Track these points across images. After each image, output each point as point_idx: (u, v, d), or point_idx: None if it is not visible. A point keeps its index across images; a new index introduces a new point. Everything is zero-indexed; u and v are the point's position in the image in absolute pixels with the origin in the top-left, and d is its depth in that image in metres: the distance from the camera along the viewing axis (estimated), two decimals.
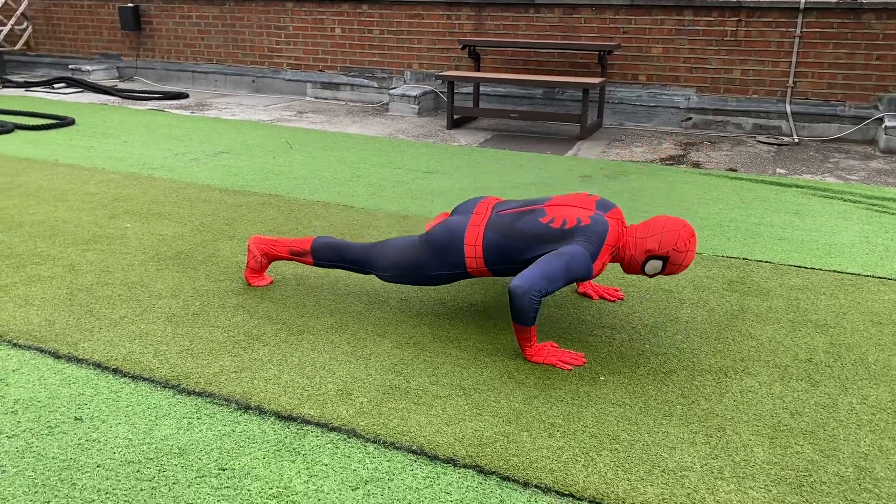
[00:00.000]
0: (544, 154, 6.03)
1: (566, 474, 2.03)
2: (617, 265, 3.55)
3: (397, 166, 5.48)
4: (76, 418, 2.26)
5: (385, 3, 7.98)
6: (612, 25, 7.15)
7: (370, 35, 8.20)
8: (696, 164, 5.77)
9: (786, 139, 6.66)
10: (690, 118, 7.12)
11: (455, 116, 7.18)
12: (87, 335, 2.78)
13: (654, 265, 2.66)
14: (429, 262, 2.84)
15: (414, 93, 7.71)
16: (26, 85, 9.01)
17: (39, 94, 8.67)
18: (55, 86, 8.95)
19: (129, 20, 9.27)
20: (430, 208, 4.43)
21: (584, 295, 3.23)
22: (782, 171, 5.58)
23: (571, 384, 2.49)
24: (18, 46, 9.87)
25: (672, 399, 2.41)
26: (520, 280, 2.53)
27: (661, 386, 2.49)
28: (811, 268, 3.56)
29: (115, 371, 2.53)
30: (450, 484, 1.99)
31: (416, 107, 7.69)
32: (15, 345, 2.70)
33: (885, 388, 2.50)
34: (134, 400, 2.36)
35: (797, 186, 5.08)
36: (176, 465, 2.05)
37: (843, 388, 2.50)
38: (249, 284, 3.26)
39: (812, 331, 2.91)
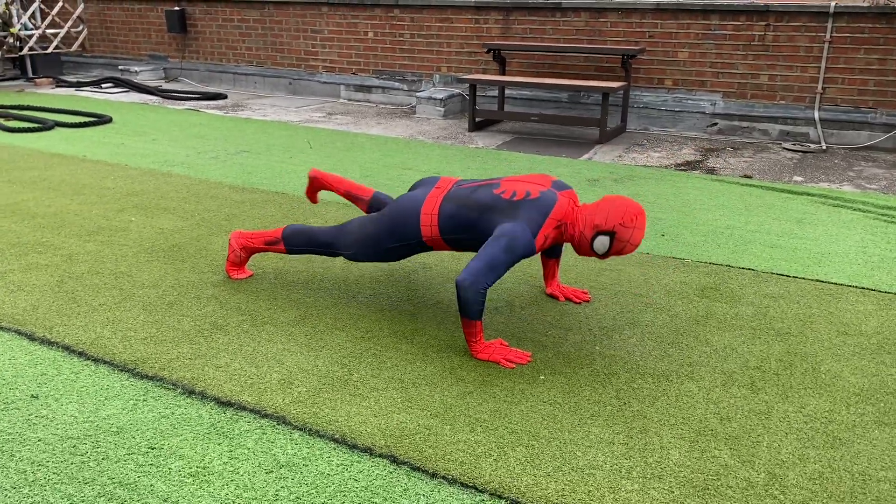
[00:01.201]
0: (559, 157, 6.04)
1: (475, 468, 2.08)
2: (577, 264, 3.56)
3: (407, 167, 5.57)
4: (32, 396, 2.42)
5: (415, 7, 8.10)
6: (638, 29, 7.10)
7: (401, 39, 8.33)
8: (711, 170, 5.70)
9: (812, 146, 6.50)
10: (716, 124, 7.01)
11: (477, 119, 7.24)
12: (64, 320, 2.95)
13: (601, 242, 2.66)
14: (387, 234, 2.92)
15: (440, 95, 7.80)
16: (77, 85, 9.45)
17: (88, 93, 9.08)
18: (103, 86, 9.36)
19: (175, 23, 9.63)
20: None
21: (552, 296, 3.26)
22: (799, 178, 5.47)
23: (510, 382, 2.54)
24: (74, 48, 10.35)
25: (605, 400, 2.43)
26: (465, 273, 2.59)
27: (599, 387, 2.51)
28: (793, 276, 3.51)
29: (81, 354, 2.69)
30: (360, 472, 2.06)
31: (442, 109, 7.77)
32: None
33: (826, 398, 2.46)
34: (90, 381, 2.51)
35: (808, 195, 4.97)
36: (110, 442, 2.18)
37: (783, 396, 2.47)
38: (230, 277, 3.40)
39: (771, 339, 2.88)
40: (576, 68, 7.48)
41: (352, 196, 3.38)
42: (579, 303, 3.20)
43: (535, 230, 2.66)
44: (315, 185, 3.50)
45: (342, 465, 2.09)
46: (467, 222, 2.80)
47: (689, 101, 7.07)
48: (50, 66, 10.34)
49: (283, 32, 9.08)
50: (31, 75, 10.12)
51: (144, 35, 10.24)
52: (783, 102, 6.72)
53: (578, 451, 2.16)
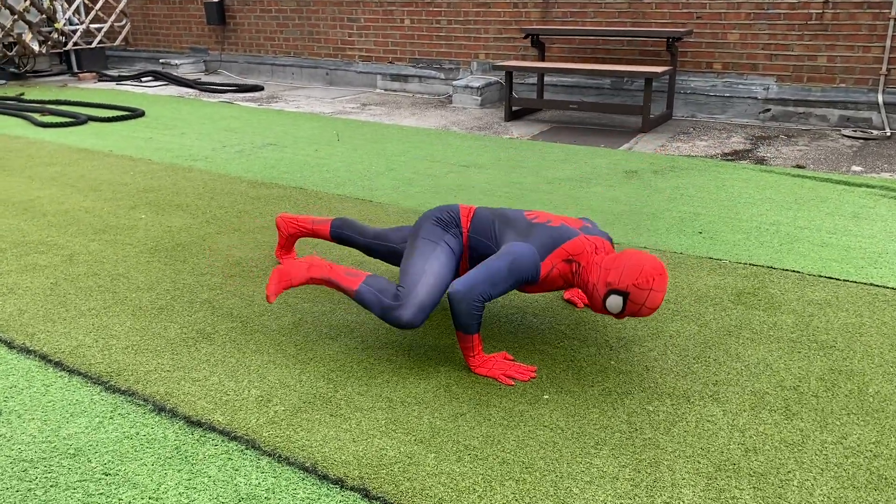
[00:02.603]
0: (596, 147, 5.71)
1: None
2: None
3: (435, 159, 5.33)
4: None
5: None
6: (684, 10, 6.69)
7: (438, 26, 8.07)
8: (761, 160, 5.30)
9: (875, 133, 6.01)
10: (769, 110, 6.56)
11: (515, 108, 6.95)
12: (48, 326, 2.81)
13: (614, 301, 2.36)
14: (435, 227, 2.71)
15: (476, 84, 7.52)
16: (118, 79, 9.47)
17: (128, 87, 9.09)
18: (143, 79, 9.36)
19: (214, 15, 9.56)
20: (455, 203, 4.25)
21: (569, 302, 2.98)
22: (858, 168, 5.03)
23: (509, 402, 2.28)
24: (118, 42, 10.40)
25: (614, 425, 2.16)
26: (460, 284, 2.34)
27: (608, 410, 2.24)
28: (844, 280, 3.15)
29: (57, 364, 2.54)
30: None
31: (479, 98, 7.50)
32: None
33: (873, 426, 2.13)
34: (59, 395, 2.35)
35: (868, 186, 4.55)
36: (64, 466, 2.01)
37: (821, 423, 2.15)
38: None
39: (813, 353, 2.55)
40: (618, 53, 7.10)
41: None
42: None
43: (543, 255, 2.43)
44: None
45: (308, 499, 1.87)
46: (489, 227, 2.63)
47: (740, 86, 6.63)
48: (95, 61, 10.42)
49: (319, 22, 8.92)
50: (75, 70, 10.21)
51: (185, 28, 10.22)
52: (843, 86, 6.24)
53: (576, 488, 1.89)
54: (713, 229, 3.82)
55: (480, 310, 2.34)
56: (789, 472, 1.95)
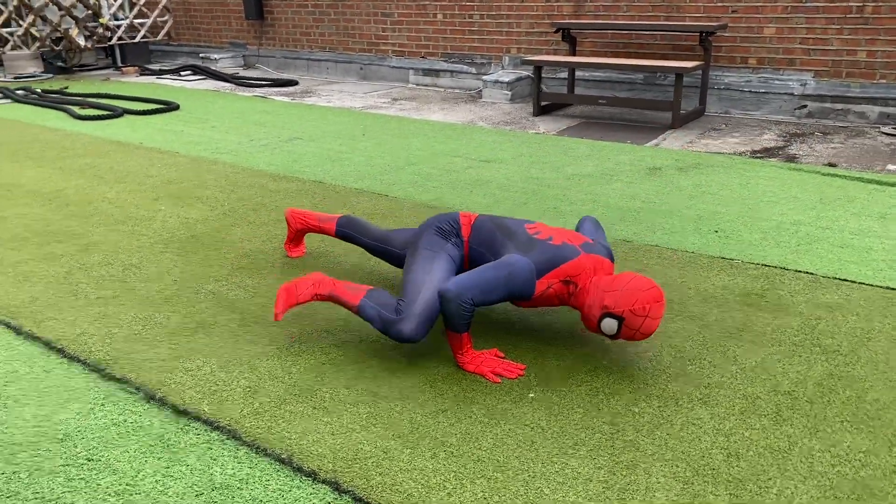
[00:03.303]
0: (623, 143, 5.63)
1: (424, 501, 1.84)
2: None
3: (457, 154, 5.32)
4: None
5: None
6: (720, 4, 6.54)
7: (470, 20, 8.04)
8: (791, 158, 5.16)
9: None
10: (805, 106, 6.38)
11: (544, 103, 6.89)
12: (56, 314, 2.88)
13: (608, 324, 2.34)
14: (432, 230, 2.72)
15: (507, 79, 7.47)
16: (159, 73, 9.67)
17: (167, 81, 9.28)
18: (182, 73, 9.54)
19: (252, 10, 9.69)
20: (467, 199, 4.25)
21: None
22: (894, 167, 4.86)
23: (493, 399, 2.27)
24: (160, 37, 10.61)
25: (596, 426, 2.13)
26: (452, 284, 2.33)
27: (593, 410, 2.20)
28: (859, 283, 3.05)
29: (59, 351, 2.61)
30: (296, 500, 1.85)
31: (509, 93, 7.45)
32: None
33: (866, 435, 2.06)
34: (57, 381, 2.41)
35: None
36: (51, 451, 2.06)
37: (812, 430, 2.09)
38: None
39: (815, 358, 2.47)
40: (651, 48, 6.98)
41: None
42: None
43: (540, 273, 2.41)
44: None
45: (279, 490, 1.89)
46: (490, 237, 2.61)
47: (776, 82, 6.46)
48: (138, 55, 10.65)
49: (354, 17, 8.97)
50: (119, 64, 10.45)
51: (225, 23, 10.38)
52: (884, 82, 6.03)
53: (546, 489, 1.87)
54: (730, 228, 3.73)
55: (470, 312, 2.33)
56: (770, 479, 1.89)
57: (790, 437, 2.06)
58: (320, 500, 1.85)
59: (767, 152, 5.34)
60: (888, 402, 2.21)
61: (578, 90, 7.38)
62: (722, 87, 6.70)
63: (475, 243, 2.63)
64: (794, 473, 1.91)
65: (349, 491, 1.88)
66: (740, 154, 5.28)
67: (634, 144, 5.61)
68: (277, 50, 9.87)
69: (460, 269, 2.68)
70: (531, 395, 2.29)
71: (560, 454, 2.00)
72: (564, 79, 7.48)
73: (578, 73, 7.36)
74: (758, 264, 3.27)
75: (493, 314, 2.84)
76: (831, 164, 4.96)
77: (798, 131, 5.98)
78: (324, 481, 1.92)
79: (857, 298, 2.90)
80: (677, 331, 2.68)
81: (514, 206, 4.13)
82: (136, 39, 10.37)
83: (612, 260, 2.58)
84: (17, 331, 2.76)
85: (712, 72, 6.71)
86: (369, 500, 1.84)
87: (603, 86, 7.31)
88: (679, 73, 6.03)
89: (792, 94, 6.42)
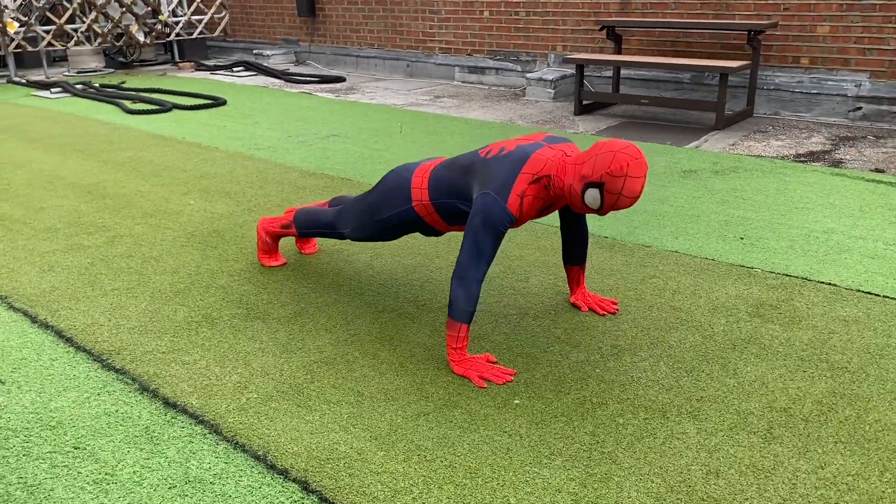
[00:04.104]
0: (661, 144, 5.50)
1: None
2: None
3: None
4: (0, 381, 2.43)
5: None
6: (770, 2, 6.33)
7: (516, 17, 7.98)
8: (837, 163, 4.95)
9: None
10: (860, 108, 6.12)
11: (586, 102, 6.79)
12: (72, 304, 2.98)
13: (591, 195, 2.23)
14: (380, 203, 2.73)
15: (550, 76, 7.39)
16: (213, 68, 9.90)
17: (220, 76, 9.49)
18: (234, 69, 9.74)
19: (304, 7, 9.82)
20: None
21: (575, 305, 2.89)
22: None
23: (476, 404, 2.25)
24: (217, 33, 10.86)
25: (576, 436, 2.08)
26: (455, 272, 2.35)
27: (577, 420, 2.16)
28: (883, 296, 2.91)
29: (69, 340, 2.69)
30: (264, 497, 1.87)
31: (552, 91, 7.37)
32: (11, 306, 2.97)
33: (859, 457, 1.97)
34: (60, 370, 2.49)
35: None
36: (41, 438, 2.13)
37: (801, 449, 2.00)
38: (263, 265, 3.32)
39: (820, 374, 2.37)
40: (699, 46, 6.81)
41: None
42: (603, 314, 2.82)
43: (505, 193, 2.31)
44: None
45: (250, 486, 1.91)
46: (451, 184, 2.55)
47: (829, 83, 6.22)
48: (196, 51, 10.93)
49: (402, 14, 9.00)
50: (176, 60, 10.74)
51: (279, 19, 10.55)
52: None
53: (513, 498, 1.85)
54: (757, 235, 3.61)
55: (478, 290, 2.34)
56: (747, 499, 1.82)
57: (777, 457, 1.98)
58: (287, 499, 1.86)
59: (812, 156, 5.15)
60: (889, 424, 2.11)
61: (624, 89, 7.25)
62: (772, 87, 6.48)
63: (438, 196, 2.58)
64: (773, 495, 1.84)
65: (317, 491, 1.89)
66: (783, 158, 5.10)
67: (673, 146, 5.48)
68: (328, 46, 9.99)
69: (428, 227, 2.71)
70: (516, 401, 2.26)
71: (534, 463, 1.97)
72: (610, 77, 7.36)
73: (624, 72, 7.23)
74: (778, 274, 3.15)
75: (497, 319, 2.82)
76: (879, 170, 4.75)
77: (849, 135, 5.74)
78: (294, 480, 1.93)
79: (878, 313, 2.77)
80: (679, 341, 2.60)
81: None
82: (194, 36, 10.64)
83: (576, 146, 2.50)
84: (34, 319, 2.86)
85: (762, 72, 6.50)
86: (334, 501, 1.85)
87: (649, 85, 7.16)
88: (724, 73, 5.86)
89: (846, 96, 6.16)
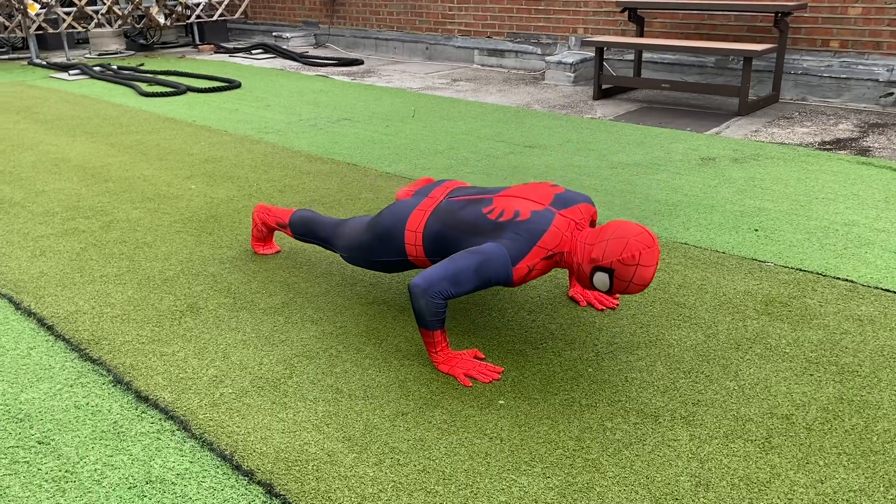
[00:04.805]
0: (681, 130, 5.32)
1: None
2: None
3: (502, 139, 5.15)
4: None
5: None
6: None
7: None
8: (864, 151, 4.74)
9: None
10: (892, 94, 5.86)
11: (605, 86, 6.60)
12: (58, 290, 2.92)
13: (600, 279, 2.16)
14: (376, 245, 2.60)
15: (570, 60, 7.20)
16: (232, 51, 9.83)
17: (238, 59, 9.42)
18: (253, 52, 9.67)
19: None
20: (502, 184, 4.09)
21: (573, 299, 2.77)
22: None
23: (459, 404, 2.13)
24: (237, 15, 10.79)
25: (560, 441, 1.97)
26: (420, 278, 2.20)
27: (563, 423, 2.04)
28: None
29: (49, 328, 2.63)
30: (226, 501, 1.78)
31: (572, 75, 7.18)
32: None
33: (863, 471, 1.82)
34: (36, 360, 2.43)
35: None
36: (6, 432, 2.07)
37: (801, 460, 1.87)
38: (256, 252, 3.24)
39: (828, 378, 2.22)
40: (724, 29, 6.57)
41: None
42: (602, 309, 2.68)
43: (516, 258, 2.22)
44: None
45: (212, 488, 1.83)
46: (451, 243, 2.41)
47: (860, 67, 5.96)
48: (216, 33, 10.87)
49: None
50: (197, 42, 10.69)
51: (299, 2, 10.45)
52: None
53: None
54: (773, 227, 3.44)
55: (442, 307, 2.20)
56: None
57: (773, 468, 1.84)
58: (250, 502, 1.77)
59: (838, 144, 4.93)
60: None
61: (646, 73, 7.04)
62: (799, 71, 6.24)
63: (435, 253, 2.46)
64: None
65: (280, 495, 1.79)
66: (807, 145, 4.89)
67: (693, 132, 5.29)
68: (347, 29, 9.87)
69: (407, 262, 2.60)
70: (501, 401, 2.15)
71: (512, 470, 1.86)
72: (632, 61, 7.15)
73: (646, 56, 7.01)
74: (792, 268, 2.99)
75: (490, 312, 2.70)
76: None
77: (879, 121, 5.50)
78: (259, 482, 1.84)
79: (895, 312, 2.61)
80: (679, 339, 2.46)
81: None
82: (214, 18, 10.58)
83: (590, 202, 2.39)
84: (17, 305, 2.80)
85: (789, 55, 6.25)
86: None
87: (672, 69, 6.94)
88: (748, 57, 5.64)
89: (877, 81, 5.91)
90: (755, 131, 5.31)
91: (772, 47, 5.77)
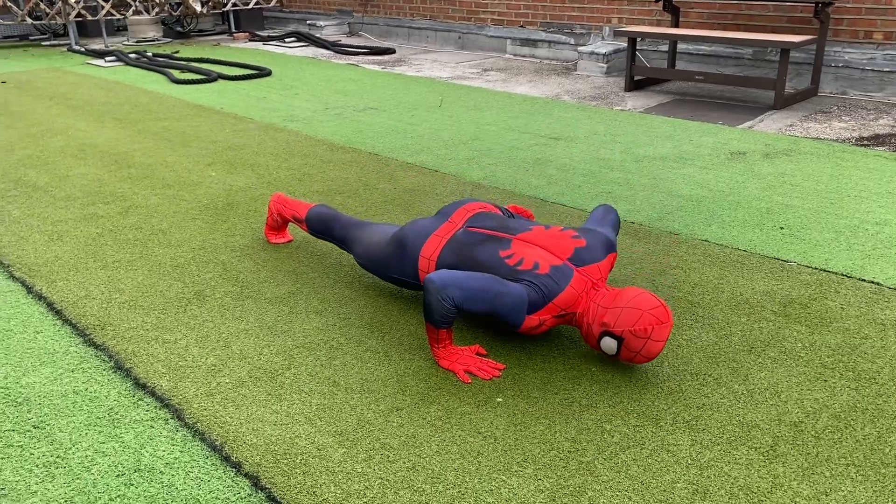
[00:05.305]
0: (713, 123, 5.18)
1: None
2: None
3: (526, 131, 5.07)
4: None
5: None
6: None
7: None
8: None
9: None
10: None
11: (638, 77, 6.47)
12: (70, 275, 2.94)
13: (608, 344, 2.14)
14: (392, 262, 2.56)
15: (603, 50, 7.07)
16: (266, 39, 9.87)
17: (272, 47, 9.45)
18: (286, 40, 9.69)
19: None
20: (520, 179, 4.03)
21: None
22: None
23: (456, 400, 2.09)
24: (273, 3, 10.82)
25: (556, 442, 1.91)
26: (437, 275, 2.15)
27: (560, 423, 1.98)
28: None
29: (58, 312, 2.65)
30: (210, 491, 1.77)
31: (605, 66, 7.05)
32: (11, 275, 2.95)
33: (871, 483, 1.74)
34: (42, 343, 2.44)
35: None
36: (4, 415, 2.08)
37: (807, 471, 1.78)
38: (268, 242, 3.23)
39: (843, 384, 2.13)
40: (762, 19, 6.38)
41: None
42: None
43: (531, 309, 2.18)
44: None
45: (199, 478, 1.81)
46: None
47: None
48: (252, 21, 10.93)
49: None
50: (232, 30, 10.76)
51: None
52: None
53: None
54: (800, 225, 3.32)
55: (451, 311, 2.14)
56: None
57: (776, 478, 1.76)
58: (234, 495, 1.75)
59: (877, 140, 4.75)
60: None
61: (681, 65, 6.89)
62: (840, 64, 6.03)
63: None
64: None
65: (266, 489, 1.77)
66: (843, 141, 4.73)
67: (725, 126, 5.15)
68: (381, 18, 9.84)
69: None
70: (499, 399, 2.10)
71: (503, 470, 1.81)
72: (666, 52, 7.00)
73: (681, 47, 6.85)
74: (816, 269, 2.88)
75: None
76: None
77: None
78: (246, 475, 1.82)
79: None
80: (690, 340, 2.38)
81: (567, 188, 3.87)
82: (250, 6, 10.63)
83: (612, 250, 2.33)
84: (30, 289, 2.83)
85: (829, 47, 6.05)
86: (281, 501, 1.73)
87: (708, 60, 6.77)
88: (785, 48, 5.46)
89: None
90: (790, 125, 5.15)
91: (811, 38, 5.58)
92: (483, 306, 2.14)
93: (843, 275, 2.82)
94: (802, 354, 2.29)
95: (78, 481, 1.81)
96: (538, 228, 2.38)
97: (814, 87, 5.99)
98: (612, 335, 2.11)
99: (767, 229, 3.29)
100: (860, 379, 2.15)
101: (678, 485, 1.75)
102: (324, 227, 2.89)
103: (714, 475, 1.78)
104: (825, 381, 2.15)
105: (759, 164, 4.23)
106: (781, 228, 3.30)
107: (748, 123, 5.25)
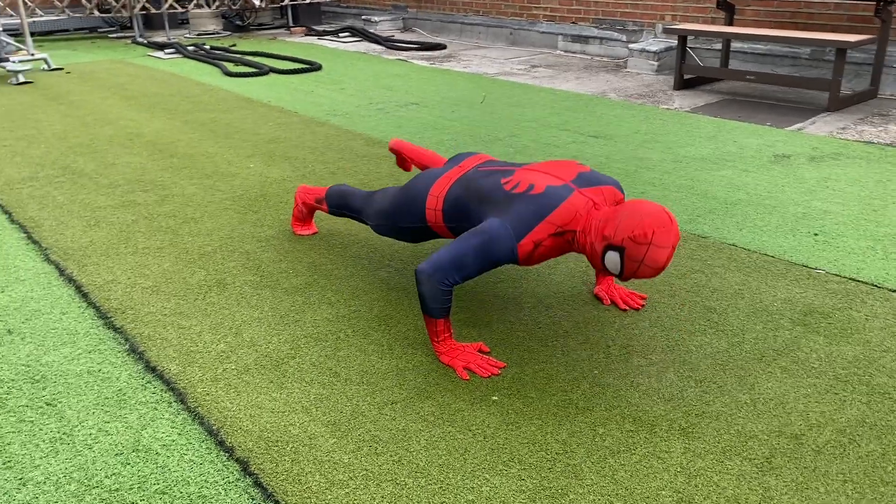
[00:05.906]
0: (760, 125, 5.04)
1: (319, 496, 1.73)
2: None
3: (567, 128, 5.02)
4: (8, 331, 2.51)
5: None
6: None
7: None
8: None
9: None
10: None
11: (688, 76, 6.33)
12: (101, 259, 3.05)
13: (611, 259, 2.03)
14: (401, 211, 2.60)
15: (654, 48, 6.94)
16: (321, 34, 10.01)
17: (326, 42, 9.58)
18: (340, 35, 9.80)
19: None
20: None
21: (597, 297, 2.67)
22: None
23: (451, 397, 2.09)
24: None
25: (545, 443, 1.90)
26: (426, 263, 2.17)
27: (553, 425, 1.97)
28: None
29: (84, 295, 2.75)
30: (200, 475, 1.82)
31: (656, 63, 6.93)
32: (47, 258, 3.07)
33: (869, 501, 1.67)
34: (65, 324, 2.54)
35: None
36: (22, 391, 2.17)
37: (800, 485, 1.73)
38: (294, 233, 3.29)
39: (854, 397, 2.05)
40: (821, 18, 6.17)
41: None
42: (625, 309, 2.57)
43: (521, 233, 2.13)
44: (400, 157, 3.22)
45: (192, 461, 1.86)
46: (465, 211, 2.38)
47: None
48: (310, 16, 11.08)
49: None
50: (290, 24, 10.94)
51: None
52: None
53: None
54: (836, 231, 3.21)
55: (446, 294, 2.16)
56: None
57: (767, 491, 1.71)
58: (223, 479, 1.80)
59: None
60: None
61: (735, 64, 6.71)
62: None
63: (450, 220, 2.43)
64: None
65: (254, 474, 1.81)
66: None
67: (772, 127, 5.00)
68: (434, 13, 9.86)
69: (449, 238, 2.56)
70: (494, 397, 2.09)
71: (488, 469, 1.81)
72: (720, 51, 6.83)
73: (736, 45, 6.68)
74: (844, 277, 2.78)
75: (500, 305, 2.64)
76: None
77: None
78: (237, 460, 1.86)
79: None
80: (700, 346, 2.33)
81: None
82: (308, 0, 10.78)
83: (619, 188, 2.27)
84: (62, 272, 2.95)
85: (892, 48, 5.81)
86: (267, 487, 1.77)
87: (763, 60, 6.58)
88: (841, 48, 5.27)
89: None
90: (842, 128, 4.97)
91: (870, 38, 5.37)
92: (476, 266, 2.14)
93: (873, 285, 2.72)
94: (815, 365, 2.21)
95: (79, 458, 1.88)
96: (548, 161, 2.36)
97: (873, 88, 5.76)
98: (614, 247, 2.01)
99: (800, 235, 3.19)
100: (873, 393, 2.07)
101: (663, 492, 1.72)
102: (342, 201, 2.94)
103: (702, 484, 1.74)
104: (835, 393, 2.08)
105: (802, 168, 4.10)
106: (815, 235, 3.19)
107: (798, 125, 5.08)
